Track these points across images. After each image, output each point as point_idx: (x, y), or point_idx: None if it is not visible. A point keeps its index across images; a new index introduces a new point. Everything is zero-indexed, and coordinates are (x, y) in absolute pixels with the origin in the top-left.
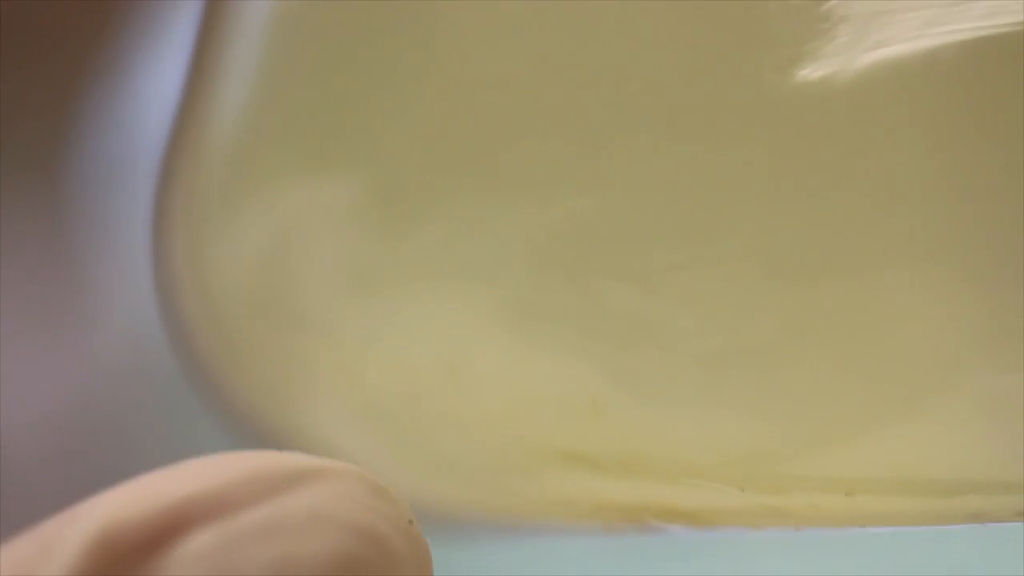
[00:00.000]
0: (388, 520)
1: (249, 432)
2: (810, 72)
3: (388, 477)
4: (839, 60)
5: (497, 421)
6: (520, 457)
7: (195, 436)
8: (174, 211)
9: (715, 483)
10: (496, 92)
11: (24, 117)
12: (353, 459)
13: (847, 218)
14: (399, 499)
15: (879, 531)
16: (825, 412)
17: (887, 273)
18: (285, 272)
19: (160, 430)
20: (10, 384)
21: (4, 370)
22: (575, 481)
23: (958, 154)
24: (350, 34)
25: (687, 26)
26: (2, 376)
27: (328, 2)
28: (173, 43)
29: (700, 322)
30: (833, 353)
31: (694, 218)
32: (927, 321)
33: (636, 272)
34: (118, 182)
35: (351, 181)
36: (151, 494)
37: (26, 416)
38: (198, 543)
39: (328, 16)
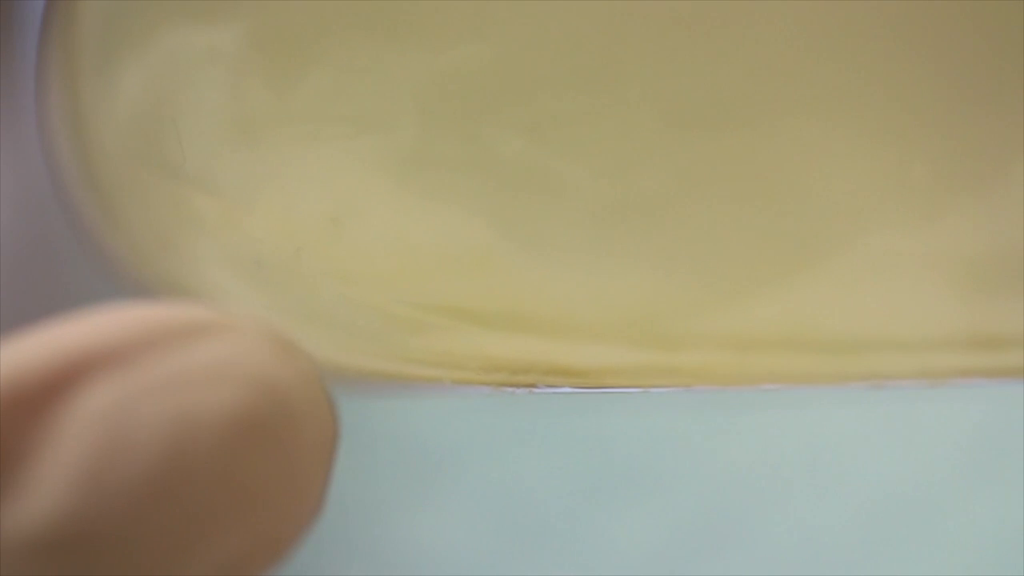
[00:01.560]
0: (292, 376)
1: (135, 285)
2: None
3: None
4: None
5: (382, 275)
6: (406, 312)
7: (83, 289)
8: (51, 66)
9: (604, 340)
10: None
11: None
12: (242, 308)
13: (749, 68)
14: (306, 355)
15: (771, 390)
16: (719, 268)
17: (789, 125)
18: (165, 124)
19: (49, 284)
20: None
21: None
22: (463, 338)
23: (865, 7)
24: None
25: None
26: None
27: None
28: None
29: (594, 173)
30: (729, 207)
31: (590, 66)
32: (827, 176)
33: (529, 122)
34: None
35: (233, 28)
36: (46, 344)
37: None
38: (96, 398)
39: None
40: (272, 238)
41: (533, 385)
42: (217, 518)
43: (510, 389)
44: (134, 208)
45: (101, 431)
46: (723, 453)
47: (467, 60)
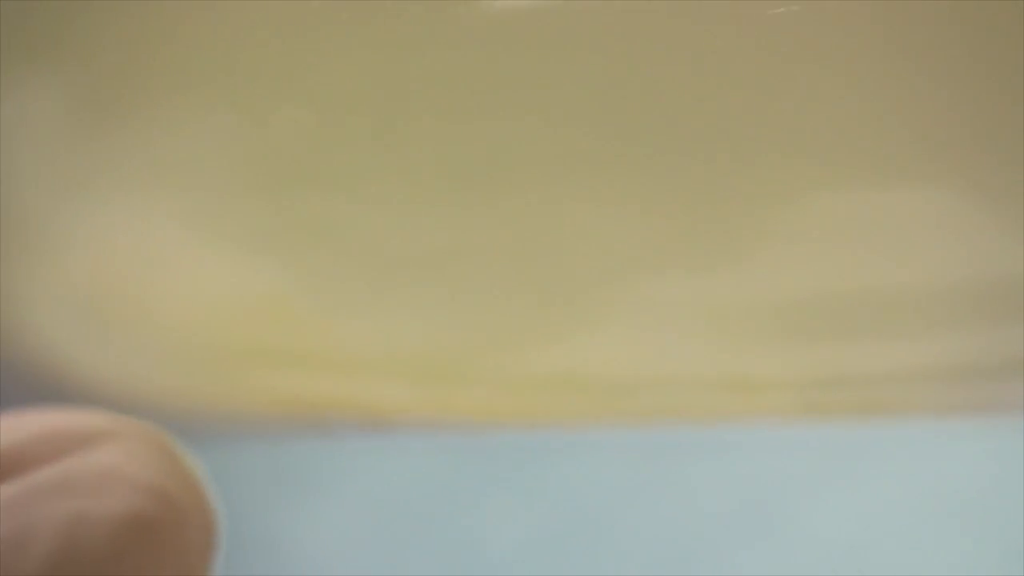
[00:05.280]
0: (177, 479)
1: None
2: None
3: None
4: None
5: (187, 321)
6: (209, 356)
7: None
8: None
9: (394, 378)
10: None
11: None
12: (67, 354)
13: (526, 135)
14: (188, 458)
15: (553, 431)
16: (497, 315)
17: (560, 185)
18: None
19: None
20: None
21: None
22: (261, 378)
23: (622, 78)
24: None
25: None
26: None
27: None
28: None
29: (383, 228)
30: (507, 260)
31: (384, 128)
32: (594, 231)
33: (324, 178)
34: None
35: (55, 83)
36: None
37: None
38: None
39: None
40: (92, 286)
41: (325, 419)
42: None
43: (305, 424)
44: None
45: (2, 528)
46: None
47: (269, 121)
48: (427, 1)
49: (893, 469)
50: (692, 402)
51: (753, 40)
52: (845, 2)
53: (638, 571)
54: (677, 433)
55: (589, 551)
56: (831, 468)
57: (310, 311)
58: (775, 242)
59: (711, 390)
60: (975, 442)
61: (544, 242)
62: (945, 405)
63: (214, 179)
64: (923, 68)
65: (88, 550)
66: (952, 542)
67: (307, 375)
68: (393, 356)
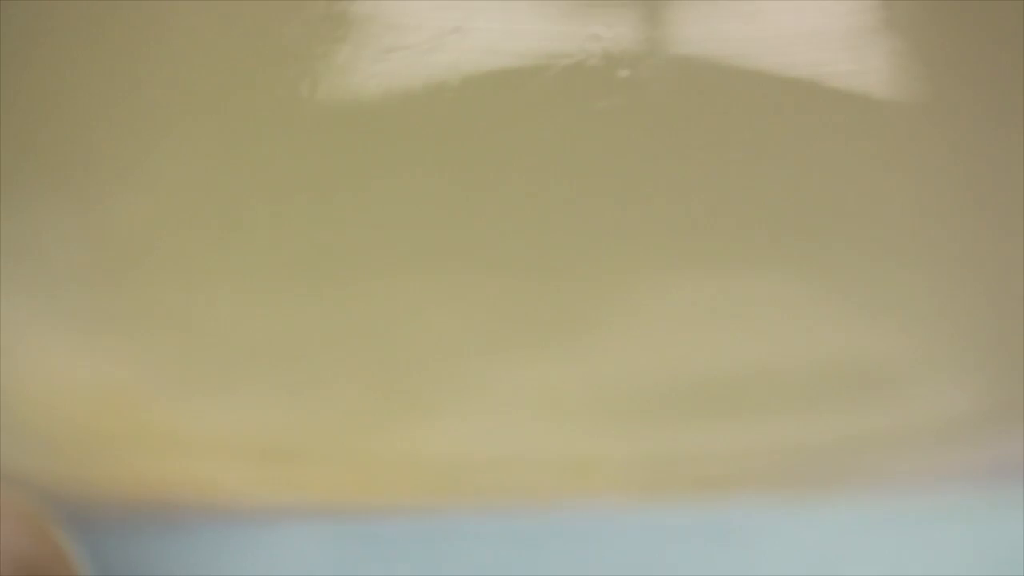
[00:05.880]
0: (48, 553)
1: None
2: (325, 80)
3: None
4: (346, 64)
5: (39, 405)
6: (61, 440)
7: None
8: None
9: (238, 461)
10: (44, 87)
11: None
12: None
13: (365, 220)
14: (61, 532)
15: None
16: (340, 397)
17: (402, 272)
18: None
19: None
20: None
21: None
22: (113, 462)
23: (456, 158)
24: None
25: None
26: None
27: None
28: None
29: (227, 312)
30: (349, 344)
31: (224, 214)
32: (435, 314)
33: (167, 264)
34: None
35: None
36: None
37: None
38: None
39: None
40: None
41: (178, 499)
42: None
43: (159, 505)
44: None
45: None
46: None
47: (111, 206)
48: (267, 88)
49: (736, 548)
50: (533, 483)
51: (609, 121)
52: (696, 84)
53: None
54: (519, 515)
55: None
56: (677, 549)
57: (157, 395)
58: (616, 322)
59: (552, 470)
60: (813, 519)
61: (386, 326)
62: (783, 483)
63: (58, 265)
64: (776, 150)
65: None
66: None
67: (156, 458)
68: (240, 438)
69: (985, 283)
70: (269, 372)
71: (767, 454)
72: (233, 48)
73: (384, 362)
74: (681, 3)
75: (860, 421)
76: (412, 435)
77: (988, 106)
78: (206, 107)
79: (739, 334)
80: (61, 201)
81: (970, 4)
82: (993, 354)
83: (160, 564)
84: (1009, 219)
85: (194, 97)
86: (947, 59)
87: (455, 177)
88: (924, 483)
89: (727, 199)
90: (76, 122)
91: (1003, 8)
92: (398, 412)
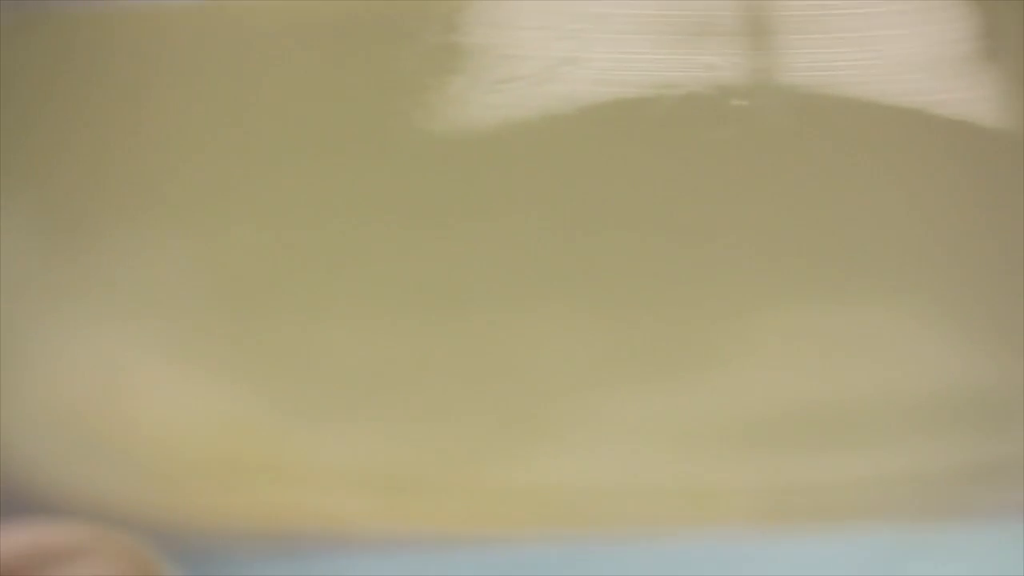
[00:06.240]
0: None
1: None
2: (439, 111)
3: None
4: (458, 95)
5: (159, 438)
6: (181, 473)
7: None
8: None
9: (357, 492)
10: (163, 127)
11: None
12: (47, 469)
13: (486, 249)
14: (167, 572)
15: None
16: (461, 428)
17: (523, 301)
18: None
19: None
20: None
21: None
22: (233, 494)
23: (582, 193)
24: (27, 65)
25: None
26: None
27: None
28: None
29: (346, 344)
30: (470, 373)
31: (349, 248)
32: (556, 344)
33: (285, 296)
34: None
35: (22, 205)
36: None
37: None
38: None
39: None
40: (62, 403)
41: (298, 529)
42: None
43: (281, 534)
44: None
45: None
46: None
47: (228, 241)
48: (385, 117)
49: None
50: (655, 512)
51: (723, 151)
52: (808, 113)
53: None
54: (642, 544)
55: None
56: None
57: (276, 427)
58: (736, 353)
59: (674, 499)
60: (938, 549)
61: (506, 355)
62: (903, 512)
63: (177, 300)
64: (891, 181)
65: None
66: None
67: (278, 490)
68: (362, 469)
69: None
70: (391, 403)
71: (888, 483)
72: (349, 81)
73: (507, 392)
74: (792, 32)
75: (981, 449)
76: (535, 465)
77: None
78: (324, 140)
79: (858, 364)
80: (183, 236)
81: None
82: None
83: None
84: None
85: (311, 130)
86: None
87: (573, 207)
88: None
89: (843, 228)
90: (199, 158)
91: None
92: (521, 442)
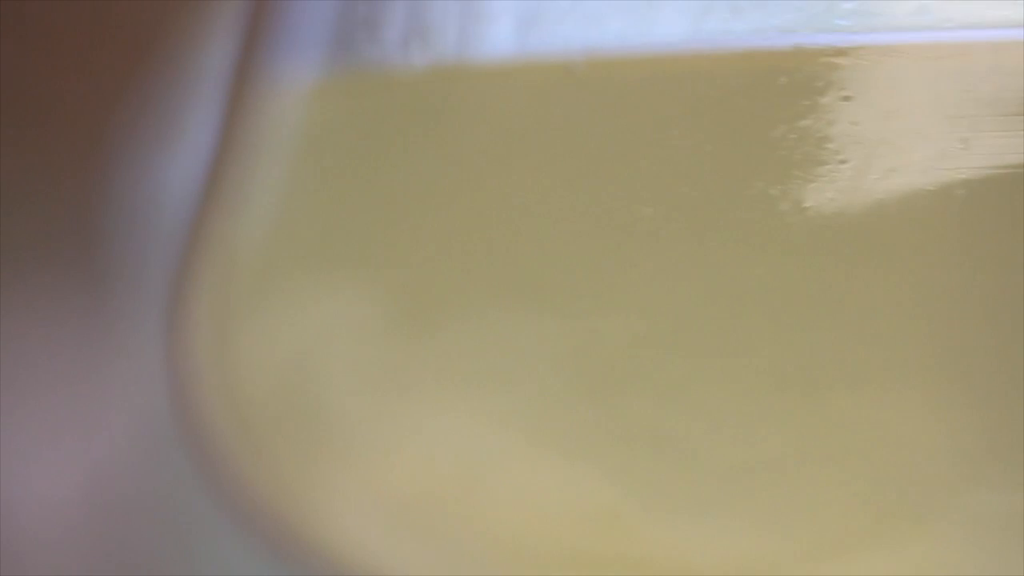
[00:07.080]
0: None
1: (266, 532)
2: (818, 196)
3: None
4: (848, 185)
5: (513, 529)
6: (535, 564)
7: (209, 536)
8: (197, 309)
9: None
10: (523, 206)
11: (42, 203)
12: (376, 562)
13: (853, 338)
14: None
15: None
16: (823, 527)
17: (890, 391)
18: (309, 375)
19: (169, 525)
20: (16, 463)
21: (9, 450)
22: None
23: (962, 280)
24: (378, 144)
25: (700, 151)
26: (8, 455)
27: (357, 113)
28: (193, 136)
29: (714, 436)
30: (834, 469)
31: (710, 336)
32: (925, 438)
33: (655, 386)
34: (134, 277)
35: (377, 286)
36: None
37: (30, 499)
38: None
39: (356, 124)
40: (410, 490)
41: None
42: None
43: None
44: (274, 453)
45: None
46: None
47: (597, 327)
48: (764, 205)
49: None
50: None
51: None
52: None
53: None
54: None
55: None
56: None
57: (637, 519)
58: None
59: None
60: None
61: (873, 447)
62: None
63: (537, 385)
64: None
65: None
66: None
67: None
68: (725, 566)
69: None
70: (753, 497)
71: None
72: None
73: (872, 483)
74: None
75: None
76: (899, 559)
77: None
78: (702, 228)
79: None
80: (545, 322)
81: None
82: None
83: None
84: None
85: (688, 217)
86: None
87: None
88: None
89: None
90: (564, 243)
91: None
92: (886, 535)
